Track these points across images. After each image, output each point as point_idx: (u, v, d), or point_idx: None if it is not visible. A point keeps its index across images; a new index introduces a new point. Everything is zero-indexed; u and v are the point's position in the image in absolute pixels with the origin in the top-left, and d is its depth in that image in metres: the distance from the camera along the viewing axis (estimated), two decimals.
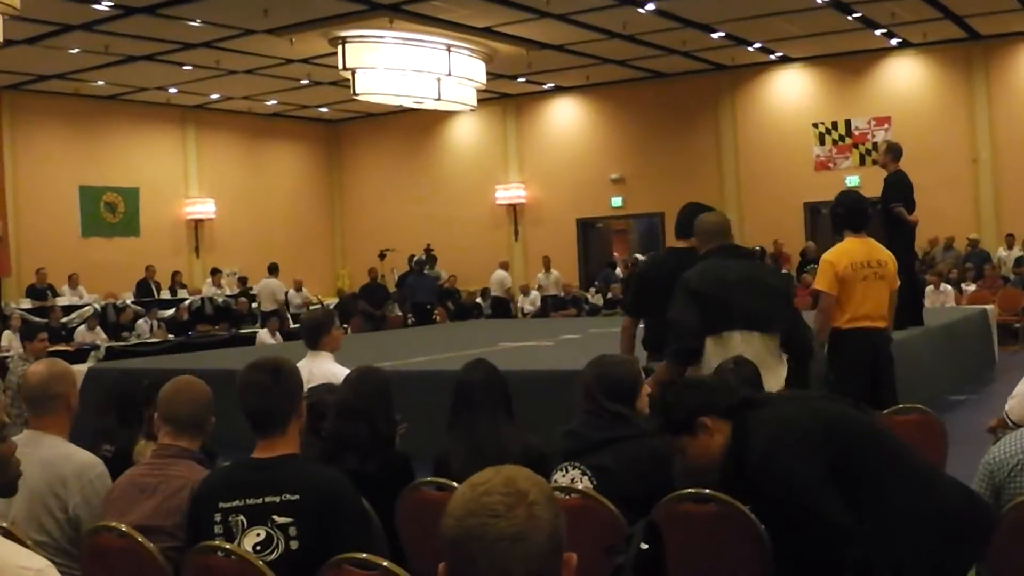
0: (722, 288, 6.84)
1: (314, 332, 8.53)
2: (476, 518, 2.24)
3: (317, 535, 4.33)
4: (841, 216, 9.02)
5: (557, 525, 2.29)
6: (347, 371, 6.79)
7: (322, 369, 7.84)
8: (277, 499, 4.36)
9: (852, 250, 8.74)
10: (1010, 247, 25.31)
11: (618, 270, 28.77)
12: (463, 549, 2.24)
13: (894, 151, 13.91)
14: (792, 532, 4.19)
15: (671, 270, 7.77)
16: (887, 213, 13.50)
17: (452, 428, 5.90)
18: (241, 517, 4.39)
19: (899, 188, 13.53)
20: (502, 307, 28.50)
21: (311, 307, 26.86)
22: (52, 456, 5.11)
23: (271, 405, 4.56)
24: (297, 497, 4.36)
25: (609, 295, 27.26)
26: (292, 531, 4.33)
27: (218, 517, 4.42)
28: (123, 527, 4.62)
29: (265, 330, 23.95)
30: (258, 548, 4.33)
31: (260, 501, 4.38)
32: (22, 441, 4.69)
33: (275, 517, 4.35)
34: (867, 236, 8.96)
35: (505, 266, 29.38)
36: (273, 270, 27.52)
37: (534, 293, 28.96)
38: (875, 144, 26.66)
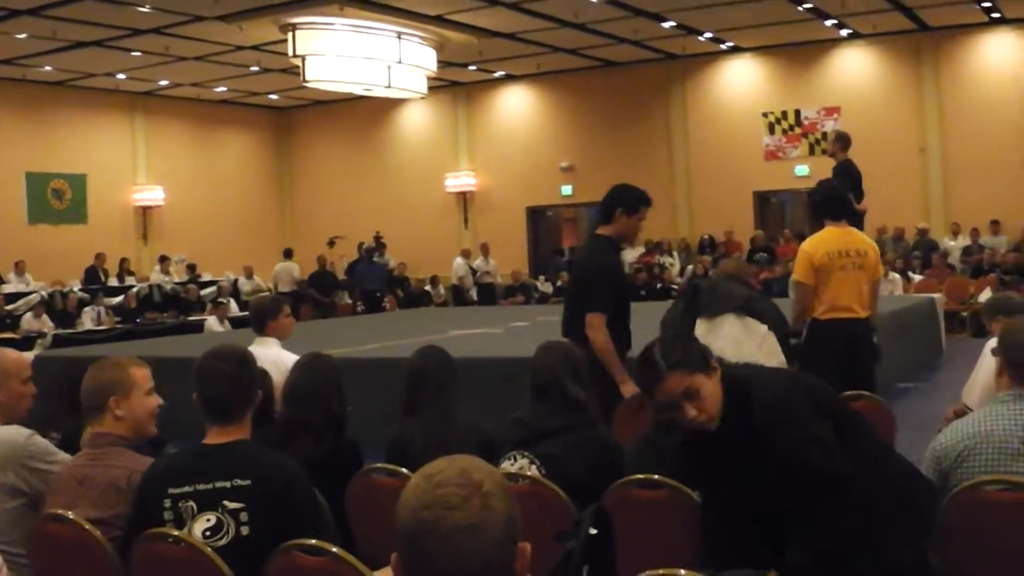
0: None
1: (261, 317, 8.47)
2: (431, 511, 2.25)
3: (268, 521, 4.30)
4: (819, 205, 8.96)
5: (512, 516, 2.30)
6: (295, 357, 6.78)
7: (268, 355, 7.75)
8: (228, 484, 4.34)
9: (830, 239, 8.64)
10: (955, 235, 25.51)
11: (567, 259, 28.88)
12: (418, 541, 2.25)
13: (843, 140, 13.94)
14: (800, 481, 4.22)
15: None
16: None
17: (408, 414, 5.89)
18: (191, 503, 4.36)
19: (847, 177, 13.53)
20: (462, 295, 28.51)
21: (261, 294, 26.82)
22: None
23: (232, 393, 4.55)
24: (248, 482, 4.34)
25: (559, 283, 27.34)
26: (243, 516, 4.31)
27: (167, 503, 4.38)
28: (70, 515, 4.59)
29: (214, 317, 23.91)
30: (208, 534, 4.30)
31: (210, 486, 4.35)
32: None
33: (225, 503, 4.32)
34: (847, 225, 8.85)
35: (467, 254, 29.31)
36: (288, 254, 28.20)
37: (480, 261, 29.07)
38: (824, 134, 26.79)
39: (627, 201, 7.91)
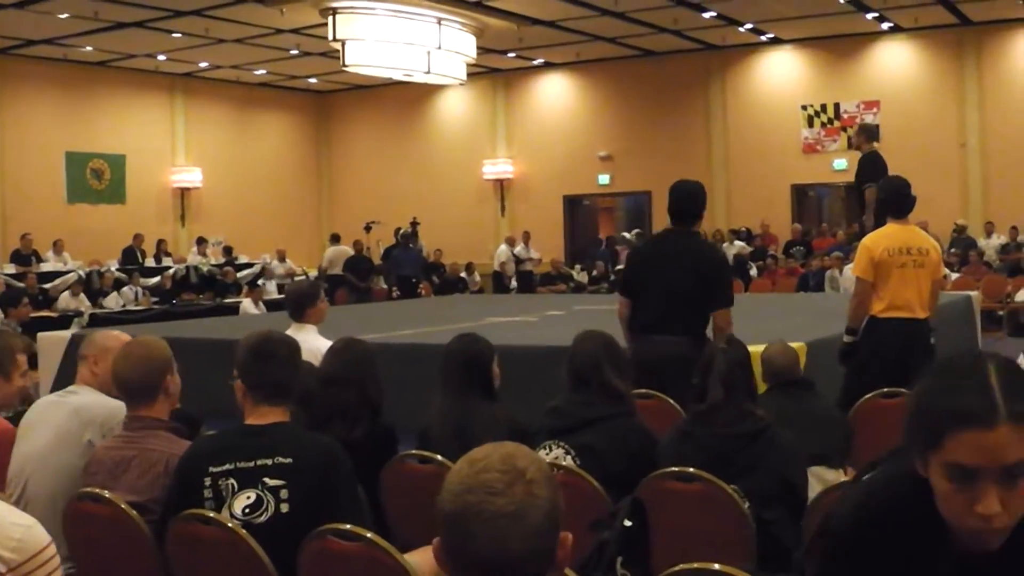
0: None
1: (299, 303, 8.46)
2: (474, 495, 2.26)
3: (308, 499, 4.33)
4: (884, 202, 8.85)
5: (555, 504, 2.31)
6: (330, 343, 6.78)
7: (306, 341, 7.75)
8: (269, 462, 4.37)
9: (891, 235, 8.47)
10: (989, 235, 25.35)
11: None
12: (461, 525, 2.25)
13: (868, 131, 13.74)
14: None
15: (660, 251, 7.79)
16: (860, 193, 13.45)
17: (438, 401, 5.91)
18: (232, 480, 4.39)
19: (874, 168, 13.45)
20: (504, 283, 28.55)
21: (295, 278, 26.89)
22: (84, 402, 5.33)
23: (277, 376, 4.59)
24: (290, 460, 4.37)
25: (594, 273, 27.35)
26: (283, 494, 4.33)
27: (207, 481, 4.41)
28: (107, 494, 4.62)
29: (249, 300, 23.97)
30: (247, 510, 4.33)
31: (251, 464, 4.39)
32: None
33: (266, 479, 4.35)
34: (910, 223, 8.69)
35: (511, 241, 29.29)
36: (337, 239, 28.16)
37: (520, 248, 29.05)
38: None
39: (704, 204, 8.16)
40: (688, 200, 8.06)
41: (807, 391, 6.57)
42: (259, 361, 4.60)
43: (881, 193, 8.92)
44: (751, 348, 5.81)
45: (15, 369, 5.46)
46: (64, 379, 11.70)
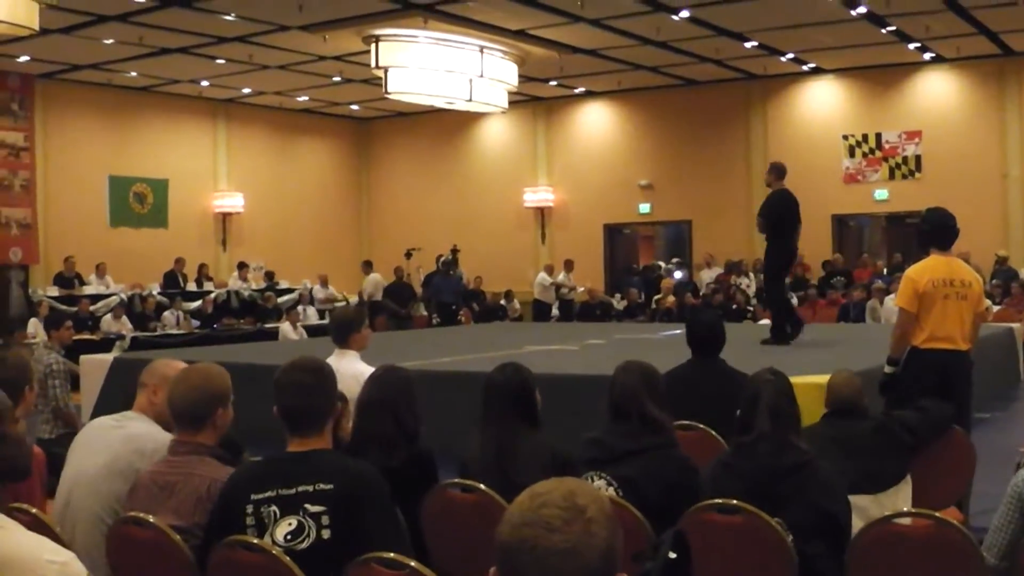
0: None
1: (344, 329, 8.49)
2: (531, 528, 2.24)
3: (349, 525, 4.35)
4: (927, 233, 8.81)
5: (613, 544, 2.29)
6: (371, 369, 6.79)
7: (349, 367, 7.79)
8: (310, 488, 4.39)
9: (935, 267, 8.50)
10: None
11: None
12: (515, 558, 2.24)
13: (778, 170, 14.19)
14: None
15: None
16: (762, 226, 14.00)
17: (478, 429, 5.91)
18: (274, 508, 4.42)
19: (773, 206, 13.78)
20: (544, 310, 28.46)
21: (336, 303, 26.97)
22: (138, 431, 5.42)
23: (313, 404, 4.62)
24: (331, 487, 4.39)
25: (625, 301, 27.40)
26: (324, 520, 4.35)
27: (250, 509, 4.44)
28: (151, 519, 4.64)
29: (287, 324, 24.07)
30: (289, 537, 4.36)
31: (293, 491, 4.41)
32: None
33: (307, 506, 4.37)
34: (952, 254, 8.72)
35: (550, 269, 29.25)
36: (368, 266, 28.91)
37: (562, 276, 28.97)
38: (905, 158, 26.66)
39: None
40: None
41: (862, 420, 6.57)
42: (284, 390, 4.63)
43: (925, 225, 8.88)
44: (794, 380, 5.80)
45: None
46: (107, 401, 11.77)
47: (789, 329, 14.01)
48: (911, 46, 24.92)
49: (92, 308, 23.64)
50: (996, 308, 22.76)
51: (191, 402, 4.97)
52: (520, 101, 30.14)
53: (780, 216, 13.70)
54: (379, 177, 34.67)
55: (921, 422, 6.89)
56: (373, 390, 5.99)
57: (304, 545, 4.33)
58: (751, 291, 26.22)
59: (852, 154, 27.73)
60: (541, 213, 31.78)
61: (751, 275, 26.94)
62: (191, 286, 27.06)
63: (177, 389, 5.04)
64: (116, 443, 5.31)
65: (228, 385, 5.11)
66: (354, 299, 28.41)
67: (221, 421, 5.04)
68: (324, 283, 28.95)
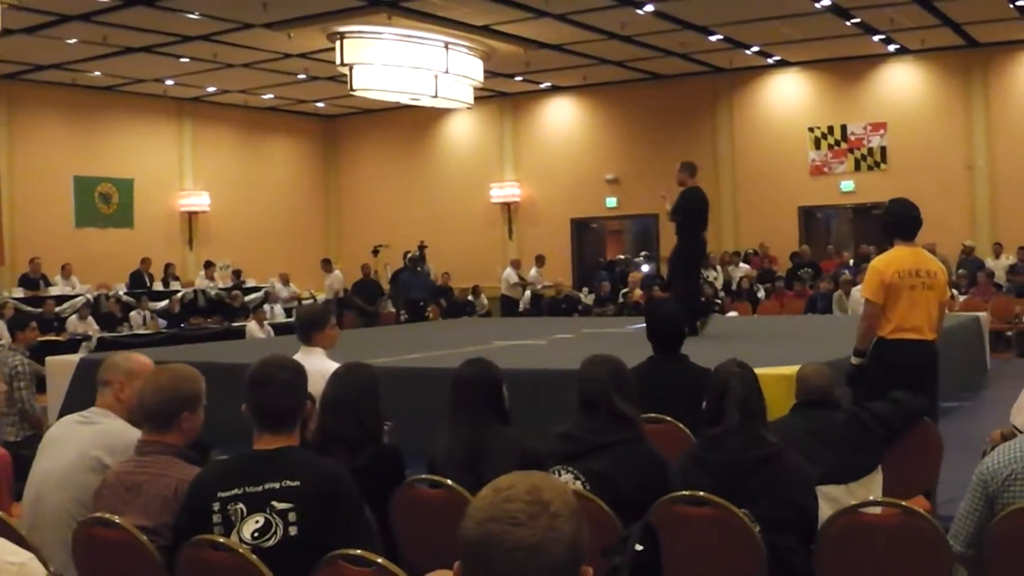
0: None
1: (309, 327, 8.41)
2: (496, 524, 2.22)
3: (316, 521, 4.35)
4: (891, 224, 8.80)
5: (578, 539, 2.26)
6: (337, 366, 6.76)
7: (316, 365, 7.72)
8: (277, 485, 4.39)
9: (901, 258, 8.52)
10: (997, 256, 25.28)
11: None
12: (481, 553, 2.22)
13: (690, 168, 14.45)
14: None
15: None
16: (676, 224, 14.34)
17: (446, 425, 5.89)
18: (240, 505, 4.40)
19: (688, 203, 14.12)
20: (511, 305, 28.43)
21: (303, 300, 26.90)
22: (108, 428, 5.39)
23: (288, 402, 4.61)
24: (298, 483, 4.38)
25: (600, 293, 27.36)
26: (291, 516, 4.35)
27: (216, 507, 4.43)
28: (118, 520, 4.61)
29: (254, 323, 23.98)
30: (256, 535, 4.35)
31: (260, 488, 4.40)
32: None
33: (274, 503, 4.36)
34: (917, 245, 8.73)
35: (516, 264, 29.20)
36: (327, 265, 29.19)
37: (533, 271, 28.94)
38: (871, 150, 26.75)
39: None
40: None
41: (834, 411, 6.57)
42: (259, 387, 4.61)
43: (888, 216, 8.86)
44: (759, 371, 5.79)
45: None
46: (73, 402, 11.70)
47: (698, 324, 14.25)
48: (876, 38, 25.00)
49: (58, 309, 23.51)
50: (963, 298, 22.89)
51: (158, 402, 4.94)
52: (486, 97, 30.14)
53: (693, 213, 14.02)
54: (346, 174, 34.60)
55: (894, 414, 6.89)
56: (335, 389, 5.96)
57: (271, 542, 4.32)
58: (719, 283, 26.26)
59: (818, 146, 27.81)
60: (508, 208, 31.78)
61: (718, 268, 26.98)
62: (157, 286, 26.91)
63: (147, 388, 5.03)
64: (85, 439, 5.29)
65: (199, 388, 5.08)
66: (322, 296, 28.33)
67: (188, 424, 5.01)
68: (286, 281, 28.74)
